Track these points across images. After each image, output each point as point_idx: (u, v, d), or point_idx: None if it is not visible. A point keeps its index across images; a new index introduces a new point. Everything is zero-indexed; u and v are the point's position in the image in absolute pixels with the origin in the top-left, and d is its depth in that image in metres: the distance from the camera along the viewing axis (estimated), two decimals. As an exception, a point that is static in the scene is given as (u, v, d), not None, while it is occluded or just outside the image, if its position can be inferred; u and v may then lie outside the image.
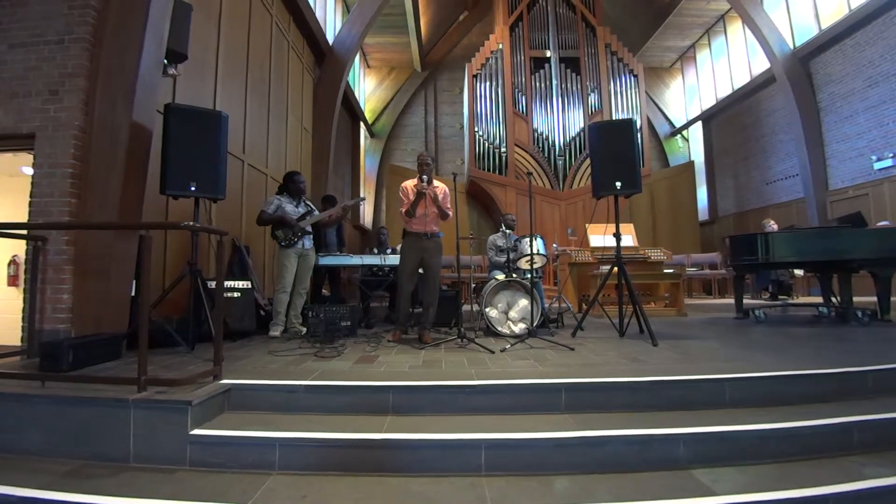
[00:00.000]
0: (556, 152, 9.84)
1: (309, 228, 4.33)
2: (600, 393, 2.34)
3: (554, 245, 6.20)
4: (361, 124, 11.73)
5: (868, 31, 7.75)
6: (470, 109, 9.92)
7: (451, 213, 3.85)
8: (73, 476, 1.89)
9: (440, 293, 4.78)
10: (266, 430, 2.04)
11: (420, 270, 3.87)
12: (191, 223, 2.81)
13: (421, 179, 3.68)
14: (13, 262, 4.60)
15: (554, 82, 10.04)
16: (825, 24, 8.47)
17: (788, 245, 4.63)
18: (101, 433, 2.06)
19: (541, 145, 9.89)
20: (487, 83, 9.96)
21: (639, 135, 9.00)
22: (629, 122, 3.97)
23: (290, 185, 4.36)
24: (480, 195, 10.32)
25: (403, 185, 3.85)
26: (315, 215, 4.42)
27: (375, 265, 5.10)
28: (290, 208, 4.26)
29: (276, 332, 4.09)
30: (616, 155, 3.82)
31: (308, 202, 4.52)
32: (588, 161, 9.18)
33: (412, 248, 3.77)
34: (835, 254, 4.49)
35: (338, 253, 4.97)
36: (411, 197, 3.72)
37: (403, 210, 3.75)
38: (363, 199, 4.52)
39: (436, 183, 3.86)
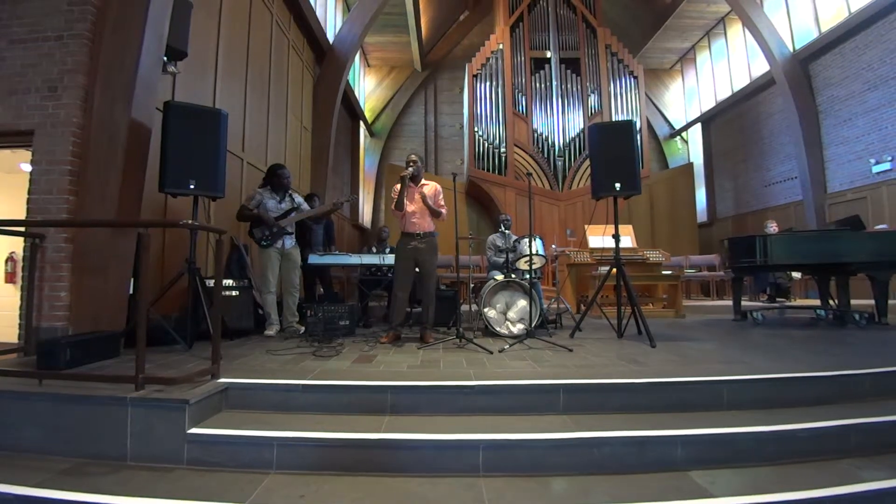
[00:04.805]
0: (556, 153, 9.85)
1: (290, 228, 4.16)
2: (598, 394, 2.34)
3: (553, 246, 6.20)
4: (361, 123, 11.72)
5: (868, 34, 7.77)
6: (470, 109, 9.92)
7: (444, 211, 3.80)
8: (71, 474, 1.88)
9: (439, 293, 4.79)
10: (264, 429, 2.03)
11: (416, 270, 3.86)
12: (189, 221, 2.82)
13: (406, 168, 3.70)
14: (11, 259, 4.59)
15: (554, 83, 10.05)
16: (825, 28, 8.49)
17: (787, 247, 4.63)
18: (99, 431, 2.05)
19: (540, 146, 9.90)
20: (487, 83, 9.96)
21: (638, 136, 9.03)
22: (629, 124, 3.98)
23: (273, 179, 4.14)
24: (480, 195, 10.32)
25: (394, 186, 3.88)
26: (303, 211, 4.29)
27: (374, 264, 5.07)
28: (272, 204, 4.08)
29: (271, 331, 4.05)
30: (615, 156, 3.83)
31: (294, 196, 4.31)
32: (587, 162, 9.19)
33: (405, 248, 3.76)
34: (833, 257, 4.50)
35: (321, 251, 4.92)
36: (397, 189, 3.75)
37: (393, 205, 3.76)
38: (354, 197, 4.54)
39: (426, 181, 3.86)
